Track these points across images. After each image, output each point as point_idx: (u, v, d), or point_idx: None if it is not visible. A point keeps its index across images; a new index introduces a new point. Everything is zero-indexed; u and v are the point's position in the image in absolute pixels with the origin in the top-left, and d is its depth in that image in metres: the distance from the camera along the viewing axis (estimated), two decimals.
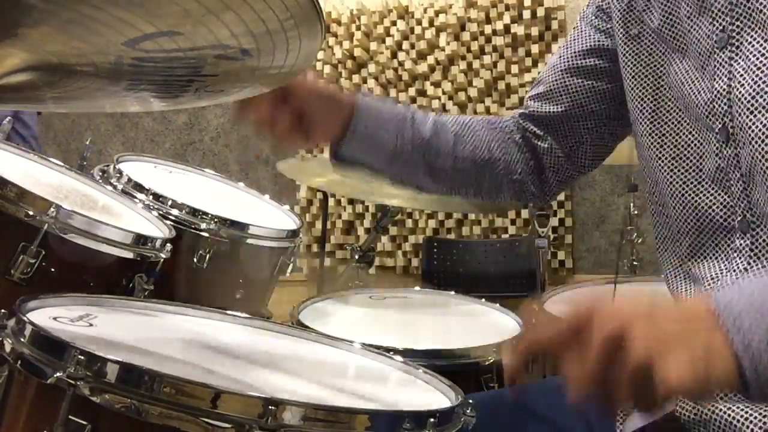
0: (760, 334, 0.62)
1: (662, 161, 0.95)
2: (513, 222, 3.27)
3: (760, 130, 0.82)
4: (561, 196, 3.16)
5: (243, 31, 0.66)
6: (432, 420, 0.79)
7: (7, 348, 0.81)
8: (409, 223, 3.38)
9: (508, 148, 1.16)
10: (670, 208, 0.95)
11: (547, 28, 3.20)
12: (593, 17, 1.09)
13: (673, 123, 0.94)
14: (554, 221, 3.21)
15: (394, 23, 3.35)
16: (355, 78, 3.39)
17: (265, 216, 1.83)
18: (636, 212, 2.38)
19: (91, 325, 0.92)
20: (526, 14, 3.17)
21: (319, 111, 1.06)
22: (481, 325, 1.63)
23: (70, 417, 0.74)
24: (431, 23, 3.30)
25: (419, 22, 3.33)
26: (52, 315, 0.91)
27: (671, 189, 0.94)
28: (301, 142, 1.10)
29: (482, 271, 3.06)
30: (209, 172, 1.99)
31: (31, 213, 1.14)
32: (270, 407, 0.72)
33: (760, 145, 0.81)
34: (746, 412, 0.80)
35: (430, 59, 3.30)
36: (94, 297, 1.04)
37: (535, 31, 3.17)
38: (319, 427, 0.74)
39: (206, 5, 0.62)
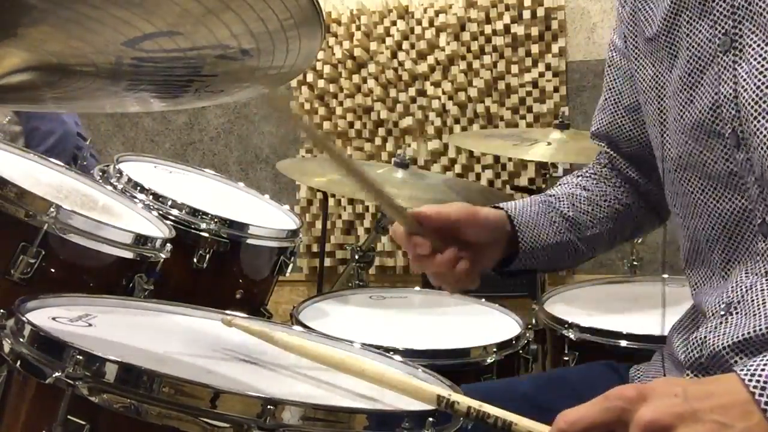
0: None
1: (670, 173, 0.95)
2: None
3: (765, 135, 0.81)
4: None
5: (243, 31, 0.66)
6: (431, 419, 0.79)
7: (6, 348, 0.81)
8: None
9: (629, 192, 1.17)
10: (688, 219, 0.95)
11: (547, 28, 3.20)
12: (625, 49, 1.07)
13: (672, 132, 0.94)
14: None
15: (394, 23, 3.35)
16: (355, 78, 3.39)
17: (265, 216, 1.83)
18: None
19: (90, 325, 0.92)
20: (526, 14, 3.16)
21: (485, 241, 1.09)
22: (481, 325, 1.63)
23: (68, 417, 0.74)
24: (431, 23, 3.30)
25: (419, 22, 3.32)
26: (51, 315, 0.91)
27: (682, 200, 0.94)
28: (475, 276, 1.10)
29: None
30: (209, 172, 1.99)
31: (31, 213, 1.14)
32: (269, 407, 0.72)
33: (765, 151, 0.81)
34: None
35: (430, 59, 3.30)
36: (94, 297, 1.04)
37: (535, 31, 3.17)
38: (318, 427, 0.74)
39: (206, 5, 0.62)
